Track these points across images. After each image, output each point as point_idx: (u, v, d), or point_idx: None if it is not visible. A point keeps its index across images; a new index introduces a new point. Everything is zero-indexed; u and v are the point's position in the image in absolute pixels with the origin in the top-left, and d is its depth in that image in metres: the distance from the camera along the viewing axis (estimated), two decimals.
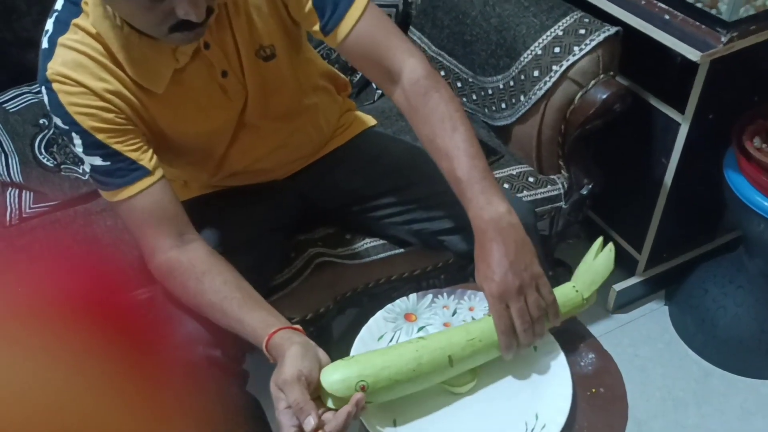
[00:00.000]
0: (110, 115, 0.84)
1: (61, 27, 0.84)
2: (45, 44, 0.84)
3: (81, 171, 1.33)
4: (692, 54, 1.17)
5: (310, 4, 0.90)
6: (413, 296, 0.97)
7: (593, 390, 0.89)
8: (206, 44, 0.89)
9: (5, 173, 1.29)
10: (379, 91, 1.62)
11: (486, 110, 1.48)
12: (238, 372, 0.92)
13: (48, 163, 1.32)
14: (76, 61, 0.83)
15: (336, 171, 1.14)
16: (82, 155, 0.86)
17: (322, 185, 1.14)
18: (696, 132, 1.33)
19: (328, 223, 1.23)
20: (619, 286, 1.61)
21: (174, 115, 0.92)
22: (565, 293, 0.92)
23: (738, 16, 1.16)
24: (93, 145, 0.84)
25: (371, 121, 1.23)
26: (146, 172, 0.87)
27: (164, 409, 0.36)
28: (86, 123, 0.83)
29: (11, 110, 1.33)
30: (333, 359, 0.81)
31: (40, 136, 1.33)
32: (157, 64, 0.86)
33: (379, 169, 1.14)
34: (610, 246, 0.95)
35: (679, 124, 1.34)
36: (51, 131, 1.34)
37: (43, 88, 0.84)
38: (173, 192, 0.90)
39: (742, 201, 1.29)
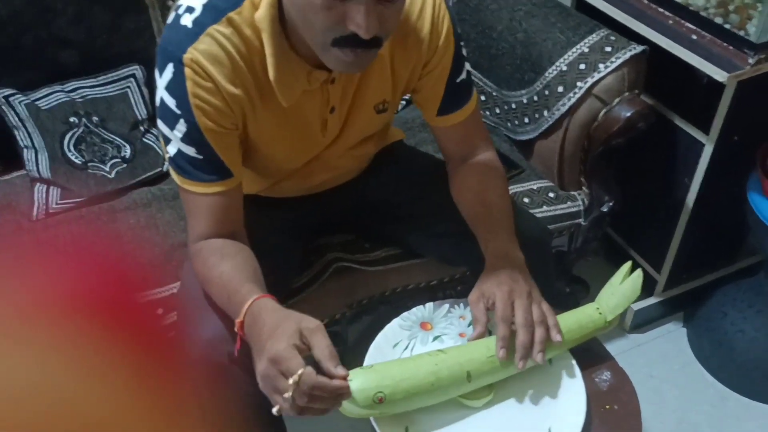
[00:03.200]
0: (224, 119, 0.84)
1: (214, 14, 0.82)
2: (189, 24, 0.81)
3: (107, 169, 1.36)
4: (719, 75, 1.16)
5: (441, 94, 0.98)
6: (430, 305, 0.98)
7: (607, 406, 0.89)
8: (333, 80, 0.90)
9: (34, 169, 1.32)
10: (403, 102, 1.63)
11: (509, 124, 1.49)
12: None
13: (76, 160, 1.34)
14: (217, 57, 0.82)
15: (362, 183, 1.15)
16: (176, 141, 0.85)
17: (347, 195, 1.15)
18: (720, 153, 1.33)
19: (348, 230, 1.24)
20: (636, 306, 1.59)
21: (272, 132, 0.92)
22: (588, 314, 0.91)
23: (766, 37, 1.16)
24: (195, 138, 0.84)
25: (400, 135, 1.25)
26: (228, 175, 0.88)
27: (181, 408, 0.36)
28: (200, 118, 0.83)
29: (43, 107, 1.36)
30: (347, 365, 0.81)
31: (69, 134, 1.36)
32: (293, 78, 0.86)
33: (402, 179, 1.16)
34: (639, 272, 0.94)
35: (703, 145, 1.34)
36: (81, 129, 1.37)
37: (170, 64, 0.82)
38: (241, 199, 0.92)
39: (765, 225, 1.27)
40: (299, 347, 0.73)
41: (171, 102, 0.83)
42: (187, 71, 0.81)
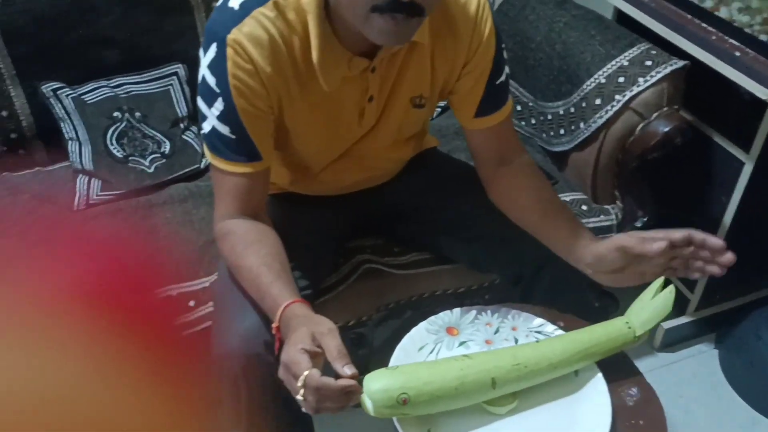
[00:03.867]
0: (260, 101, 0.86)
1: None
2: (236, 6, 0.84)
3: (146, 163, 1.39)
4: (761, 92, 1.15)
5: (480, 95, 0.98)
6: (457, 310, 0.98)
7: (632, 422, 0.88)
8: (373, 68, 0.91)
9: (78, 160, 1.36)
10: (438, 109, 1.64)
11: (544, 135, 1.48)
12: None
13: (117, 154, 1.38)
14: (260, 40, 0.83)
15: (396, 186, 1.16)
16: (212, 118, 0.87)
17: (381, 198, 1.16)
18: (760, 172, 1.30)
19: (379, 233, 1.24)
20: (667, 324, 1.57)
21: (307, 118, 0.94)
22: (617, 328, 0.91)
23: None
24: (230, 118, 0.86)
25: (435, 142, 1.25)
26: (258, 158, 0.90)
27: (195, 408, 0.36)
28: (237, 99, 0.85)
29: (89, 102, 1.40)
30: (372, 366, 0.82)
31: (112, 128, 1.40)
32: (334, 64, 0.87)
33: (434, 185, 1.16)
34: (671, 288, 0.93)
35: (742, 163, 1.31)
36: (123, 124, 1.41)
37: (214, 44, 0.84)
38: (267, 184, 0.95)
39: None
40: (311, 351, 0.75)
41: (211, 80, 0.86)
42: (229, 51, 0.83)
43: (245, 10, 0.84)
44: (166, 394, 0.34)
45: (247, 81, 0.85)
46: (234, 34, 0.83)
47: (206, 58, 0.86)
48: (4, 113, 1.38)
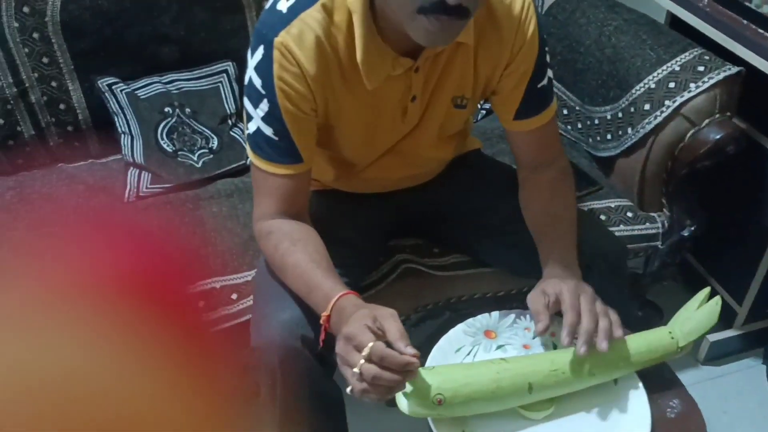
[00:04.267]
0: (305, 104, 0.88)
1: (308, 1, 0.85)
2: (285, 10, 0.85)
3: (195, 158, 1.43)
4: None
5: (520, 98, 0.98)
6: (495, 314, 0.97)
7: None
8: (417, 68, 0.92)
9: (129, 154, 1.40)
10: (483, 111, 1.63)
11: (590, 140, 1.46)
12: (329, 360, 0.95)
13: (167, 148, 1.42)
14: (306, 42, 0.84)
15: (438, 187, 1.17)
16: (257, 119, 0.89)
17: (423, 198, 1.16)
18: None
19: (419, 234, 1.25)
20: (713, 337, 1.53)
21: (351, 116, 0.95)
22: (660, 338, 0.89)
23: None
24: (275, 119, 0.88)
25: (477, 143, 1.25)
26: (299, 160, 0.91)
27: (217, 402, 0.36)
28: (283, 101, 0.87)
29: (142, 97, 1.44)
30: None
31: (163, 123, 1.44)
32: (378, 63, 0.88)
33: (476, 187, 1.16)
34: (717, 299, 0.91)
35: None
36: (174, 119, 1.45)
37: (261, 46, 0.86)
38: (308, 185, 0.96)
39: None
40: (372, 330, 0.76)
41: (258, 82, 0.87)
42: (276, 54, 0.85)
43: (293, 13, 0.85)
44: (205, 384, 0.35)
45: (292, 83, 0.86)
46: (281, 37, 0.84)
47: (253, 59, 0.87)
48: (62, 106, 1.44)
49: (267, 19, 0.87)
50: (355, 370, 0.74)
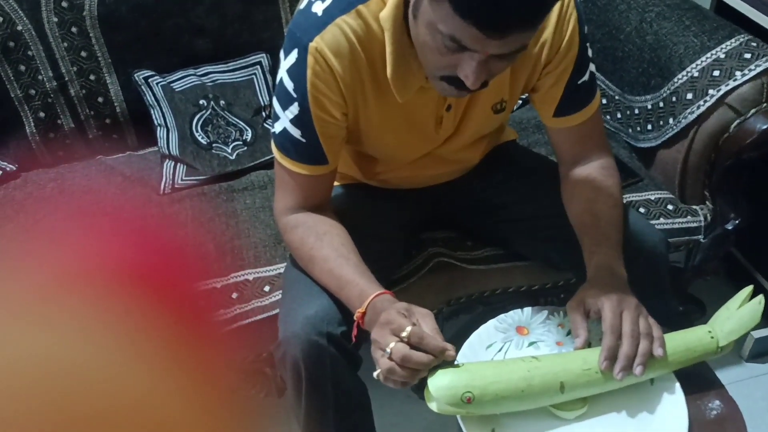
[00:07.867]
0: (336, 110, 0.88)
1: (344, 5, 0.84)
2: (320, 12, 0.84)
3: (229, 150, 1.44)
4: None
5: (560, 95, 0.96)
6: (528, 309, 0.96)
7: None
8: None
9: (165, 146, 1.42)
10: (519, 101, 1.60)
11: (630, 130, 1.42)
12: (354, 356, 0.95)
13: (202, 141, 1.43)
14: (340, 48, 0.83)
15: (472, 180, 1.15)
16: (285, 120, 0.89)
17: (456, 191, 1.15)
18: None
19: (452, 227, 1.23)
20: (758, 333, 1.48)
21: (383, 125, 0.94)
22: (699, 337, 0.86)
23: None
24: (304, 122, 0.88)
25: (513, 135, 1.23)
26: (324, 162, 0.91)
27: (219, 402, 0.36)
28: (314, 107, 0.86)
29: (177, 89, 1.45)
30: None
31: (198, 115, 1.45)
32: (410, 75, 0.88)
33: (512, 180, 1.14)
34: (760, 299, 0.87)
35: None
36: (208, 112, 1.46)
37: (296, 50, 0.85)
38: (332, 182, 0.97)
39: None
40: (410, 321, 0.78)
41: (289, 84, 0.87)
42: (310, 59, 0.84)
43: (328, 17, 0.83)
44: (231, 379, 0.35)
45: (324, 90, 0.85)
46: (316, 42, 0.83)
47: (286, 61, 0.86)
48: (100, 99, 1.46)
49: (302, 22, 0.86)
50: (387, 349, 0.76)
